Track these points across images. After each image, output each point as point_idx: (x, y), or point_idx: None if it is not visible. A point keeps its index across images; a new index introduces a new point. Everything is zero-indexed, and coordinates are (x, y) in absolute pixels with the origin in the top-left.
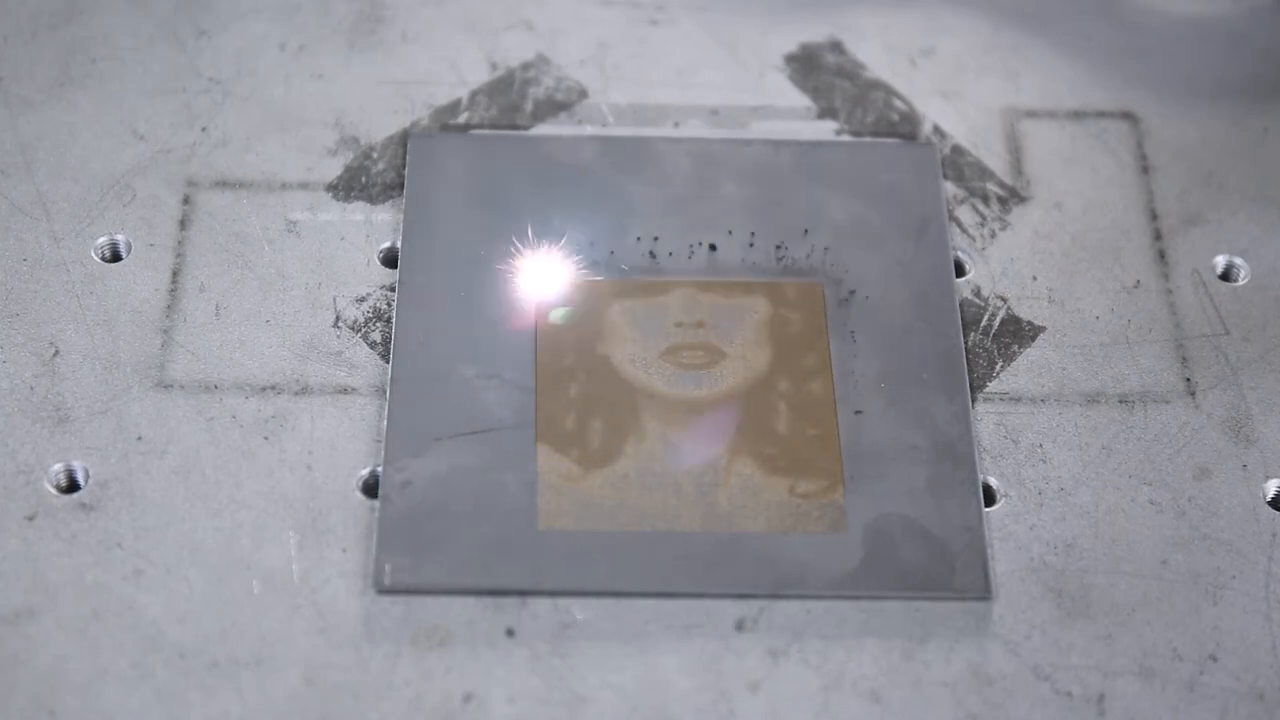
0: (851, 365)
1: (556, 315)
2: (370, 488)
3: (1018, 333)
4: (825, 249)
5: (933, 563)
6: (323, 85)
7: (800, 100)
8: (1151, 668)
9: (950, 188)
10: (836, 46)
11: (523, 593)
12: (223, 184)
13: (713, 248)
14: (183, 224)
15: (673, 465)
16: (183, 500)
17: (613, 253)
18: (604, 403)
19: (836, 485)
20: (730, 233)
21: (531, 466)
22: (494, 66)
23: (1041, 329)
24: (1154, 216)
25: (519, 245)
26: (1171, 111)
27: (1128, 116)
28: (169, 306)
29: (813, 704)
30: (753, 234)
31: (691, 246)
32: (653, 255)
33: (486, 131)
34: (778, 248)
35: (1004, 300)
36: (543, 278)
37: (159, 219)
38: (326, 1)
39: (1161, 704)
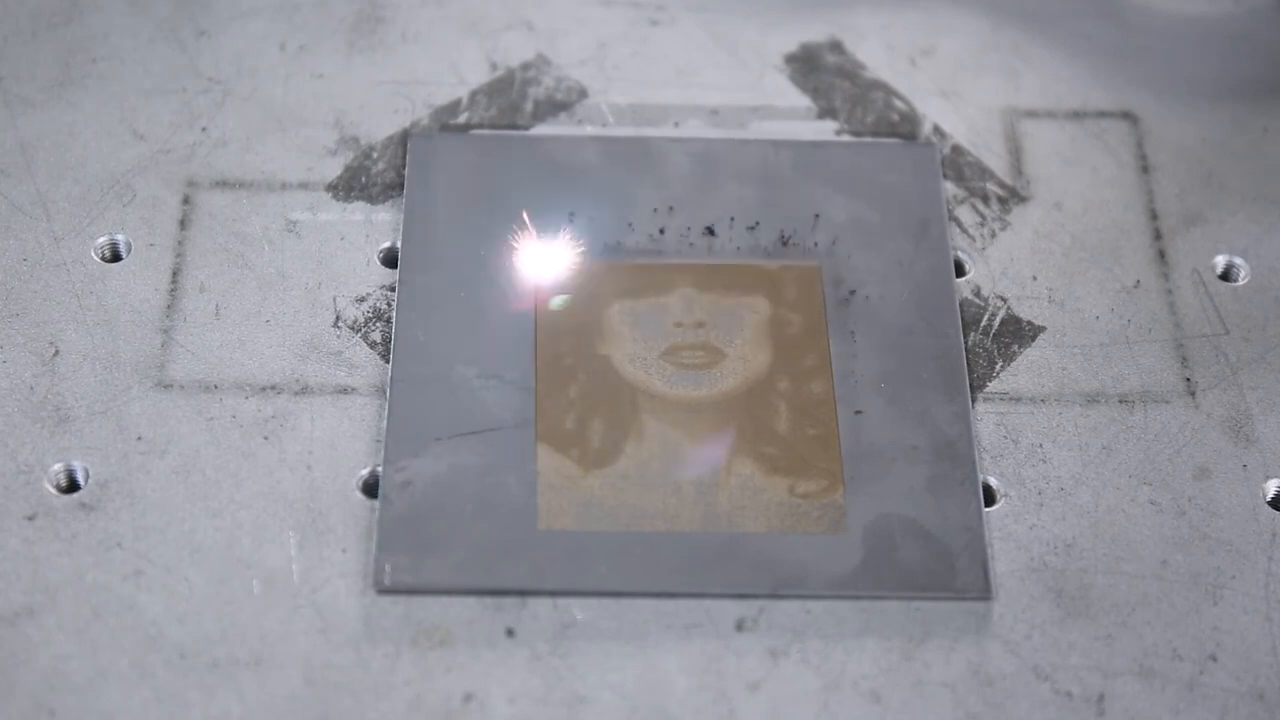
0: (851, 365)
1: (556, 302)
2: (370, 488)
3: (1018, 333)
4: (825, 249)
5: (933, 563)
6: (323, 85)
7: (800, 100)
8: (1151, 668)
9: (950, 188)
10: (836, 46)
11: (523, 593)
12: (223, 184)
13: (711, 232)
14: (183, 224)
15: (677, 473)
16: (183, 500)
17: (612, 251)
18: (604, 403)
19: (836, 485)
20: (730, 227)
21: (531, 466)
22: (494, 66)
23: (1041, 329)
24: (1154, 216)
25: (521, 234)
26: (1171, 111)
27: (1128, 116)
28: (169, 306)
29: (813, 704)
30: (751, 226)
31: (690, 236)
32: (654, 250)
33: (486, 131)
34: (782, 243)
35: (1004, 300)
36: (542, 263)
37: (159, 219)
38: (326, 1)
39: (1161, 704)
